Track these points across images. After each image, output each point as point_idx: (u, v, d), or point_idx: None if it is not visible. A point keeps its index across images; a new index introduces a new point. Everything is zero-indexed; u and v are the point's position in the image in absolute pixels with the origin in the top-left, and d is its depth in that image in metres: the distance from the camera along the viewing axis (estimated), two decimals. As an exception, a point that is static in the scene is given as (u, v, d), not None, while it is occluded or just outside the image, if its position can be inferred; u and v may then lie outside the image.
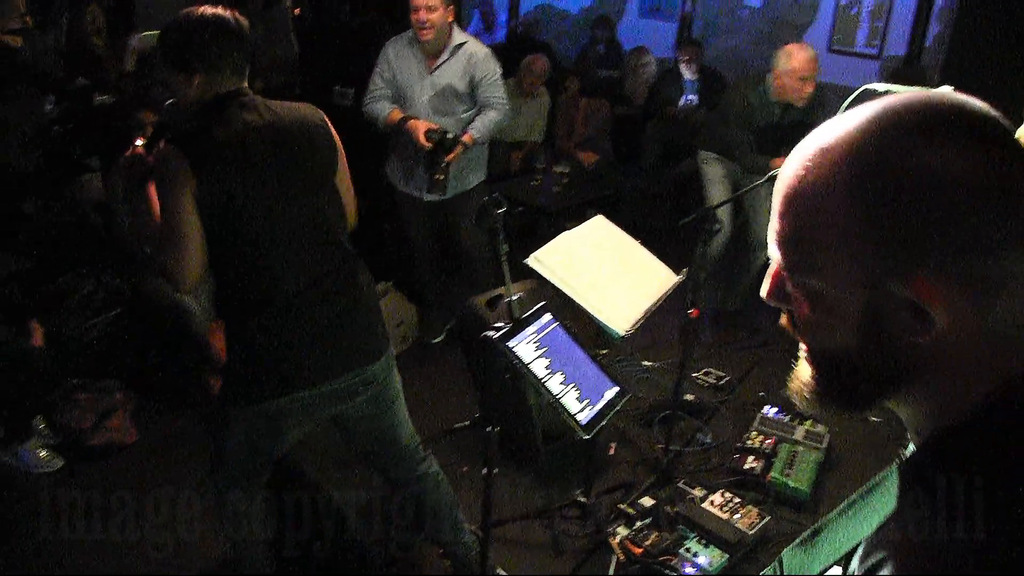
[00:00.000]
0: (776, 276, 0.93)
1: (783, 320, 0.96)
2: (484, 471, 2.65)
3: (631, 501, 3.62)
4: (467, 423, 4.15)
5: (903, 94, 0.85)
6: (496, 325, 2.46)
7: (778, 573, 1.09)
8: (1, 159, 4.87)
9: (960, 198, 0.77)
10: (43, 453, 3.92)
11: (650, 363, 4.80)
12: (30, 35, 6.92)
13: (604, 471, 3.93)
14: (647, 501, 3.60)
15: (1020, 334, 0.82)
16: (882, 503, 0.97)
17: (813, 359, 0.93)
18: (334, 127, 2.58)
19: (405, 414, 2.83)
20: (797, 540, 1.09)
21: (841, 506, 1.05)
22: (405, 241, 4.80)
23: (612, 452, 4.06)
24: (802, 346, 0.95)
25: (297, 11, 8.35)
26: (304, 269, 2.42)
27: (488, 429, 2.54)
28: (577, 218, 5.87)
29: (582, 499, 3.61)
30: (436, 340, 4.94)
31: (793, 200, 0.87)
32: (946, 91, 0.87)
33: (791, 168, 0.88)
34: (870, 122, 0.83)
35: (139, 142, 2.45)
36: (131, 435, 4.06)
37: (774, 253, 0.91)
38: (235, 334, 2.47)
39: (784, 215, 0.88)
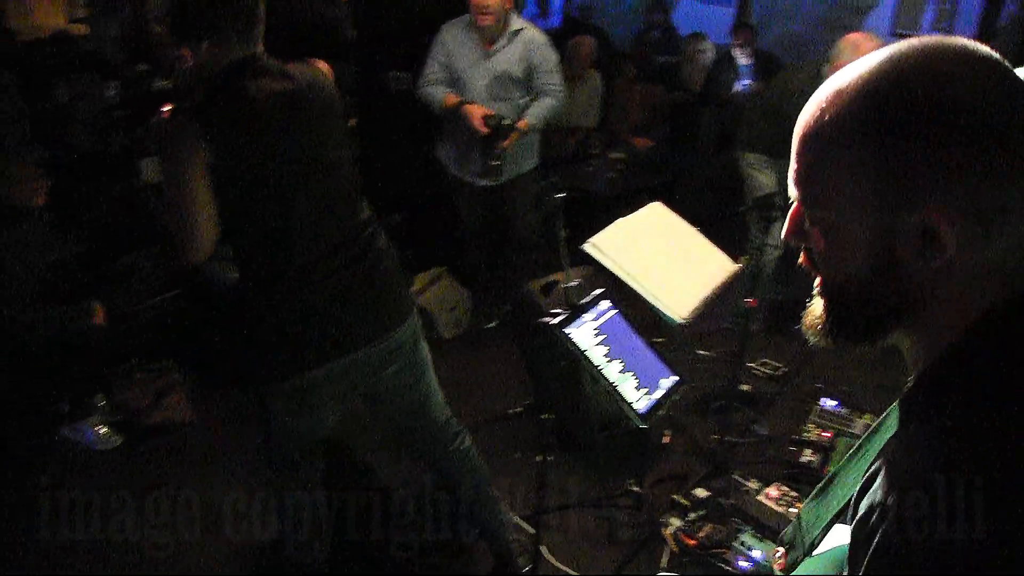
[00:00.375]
0: (795, 214, 0.97)
1: (801, 258, 1.01)
2: (538, 458, 2.62)
3: (685, 492, 3.58)
4: (520, 409, 4.14)
5: (914, 38, 0.89)
6: (554, 311, 2.43)
7: (796, 529, 1.13)
8: (65, 142, 4.95)
9: (971, 128, 0.82)
10: (103, 430, 3.99)
11: (705, 352, 4.74)
12: (94, 23, 7.05)
13: (658, 460, 3.90)
14: (701, 492, 3.56)
15: (1007, 264, 0.87)
16: (884, 440, 1.02)
17: (827, 291, 0.98)
18: (390, 111, 2.54)
19: (436, 385, 2.78)
20: (812, 493, 1.14)
21: (850, 451, 1.10)
22: (458, 226, 4.80)
23: (667, 441, 4.02)
24: (816, 282, 1.00)
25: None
26: (323, 236, 2.37)
27: (543, 416, 2.52)
28: (631, 205, 5.80)
29: (635, 488, 3.59)
30: (489, 325, 4.94)
31: (810, 139, 0.91)
32: (955, 37, 0.89)
33: (808, 111, 0.92)
34: (883, 62, 0.87)
35: (166, 108, 2.41)
36: (187, 414, 4.11)
37: (792, 192, 0.96)
38: (257, 308, 2.41)
39: (801, 154, 0.93)
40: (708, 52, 7.52)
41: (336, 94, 2.48)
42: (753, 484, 3.56)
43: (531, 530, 3.25)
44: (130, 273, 4.43)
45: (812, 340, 1.01)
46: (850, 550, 0.88)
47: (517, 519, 3.39)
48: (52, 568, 3.23)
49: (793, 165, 0.94)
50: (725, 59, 7.27)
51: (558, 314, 2.43)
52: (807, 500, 1.15)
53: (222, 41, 2.25)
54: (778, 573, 1.15)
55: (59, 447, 3.96)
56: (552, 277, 3.84)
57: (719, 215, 4.58)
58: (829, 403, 4.09)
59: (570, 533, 3.43)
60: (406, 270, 2.87)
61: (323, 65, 2.51)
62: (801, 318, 1.05)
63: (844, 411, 4.03)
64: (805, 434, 3.88)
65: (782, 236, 1.01)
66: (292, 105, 2.30)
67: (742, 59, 7.12)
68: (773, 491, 3.46)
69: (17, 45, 6.87)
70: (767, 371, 4.62)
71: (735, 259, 3.46)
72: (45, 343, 3.79)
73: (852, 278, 0.92)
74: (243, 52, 2.28)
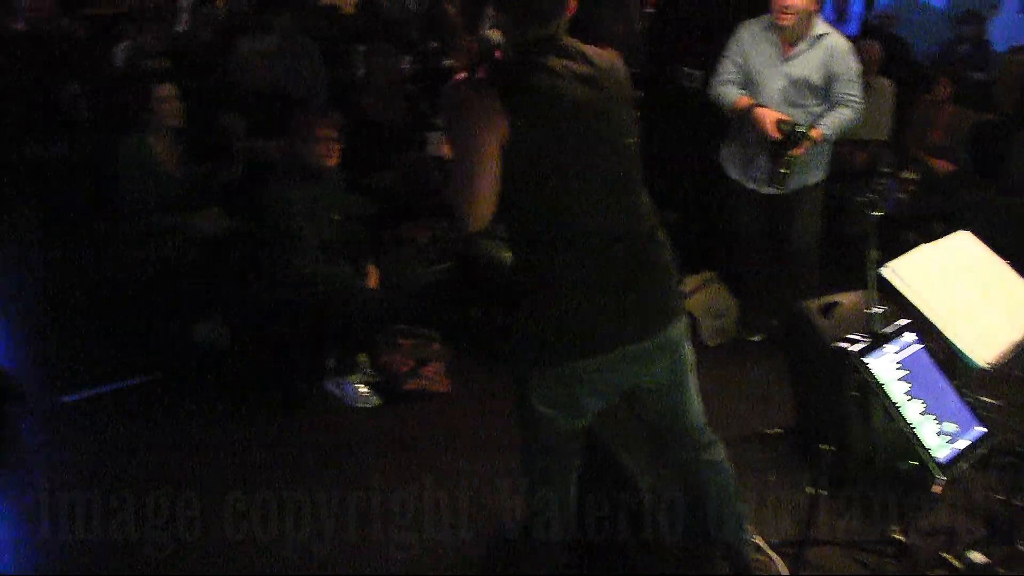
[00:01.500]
0: None
1: None
2: (809, 490, 2.44)
3: (958, 552, 3.24)
4: (779, 430, 3.92)
5: None
6: (851, 337, 2.24)
7: None
8: (359, 109, 5.21)
9: None
10: (363, 389, 4.15)
11: (992, 400, 4.29)
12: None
13: (925, 510, 3.56)
14: (978, 557, 3.19)
15: None
16: None
17: None
18: (679, 108, 2.44)
19: (696, 390, 2.64)
20: None
21: None
22: (734, 232, 4.61)
23: (937, 491, 3.66)
24: None
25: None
26: (604, 223, 2.30)
27: (822, 447, 2.33)
28: (920, 229, 5.43)
29: (900, 537, 3.29)
30: (755, 338, 4.72)
31: None
32: None
33: None
34: None
35: (462, 75, 2.43)
36: (444, 385, 4.21)
37: None
38: (530, 291, 2.38)
39: None
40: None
41: (629, 83, 2.42)
42: (1043, 559, 3.17)
43: (775, 556, 3.07)
44: (407, 241, 4.59)
45: None
46: None
47: (761, 543, 3.20)
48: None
49: None
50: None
51: (856, 340, 2.23)
52: None
53: (530, 17, 2.26)
54: None
55: (320, 398, 4.17)
56: (833, 298, 3.60)
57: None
58: None
59: (823, 571, 3.19)
60: (678, 268, 2.76)
61: (618, 56, 2.45)
62: None
63: None
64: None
65: None
66: (589, 87, 2.27)
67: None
68: (1067, 570, 3.06)
69: (324, 16, 7.34)
70: (1065, 431, 4.12)
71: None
72: (323, 298, 3.99)
73: None
74: (546, 31, 2.28)
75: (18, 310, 5.10)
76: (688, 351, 2.55)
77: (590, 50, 2.35)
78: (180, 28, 7.67)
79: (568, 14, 2.34)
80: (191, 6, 7.63)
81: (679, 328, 2.49)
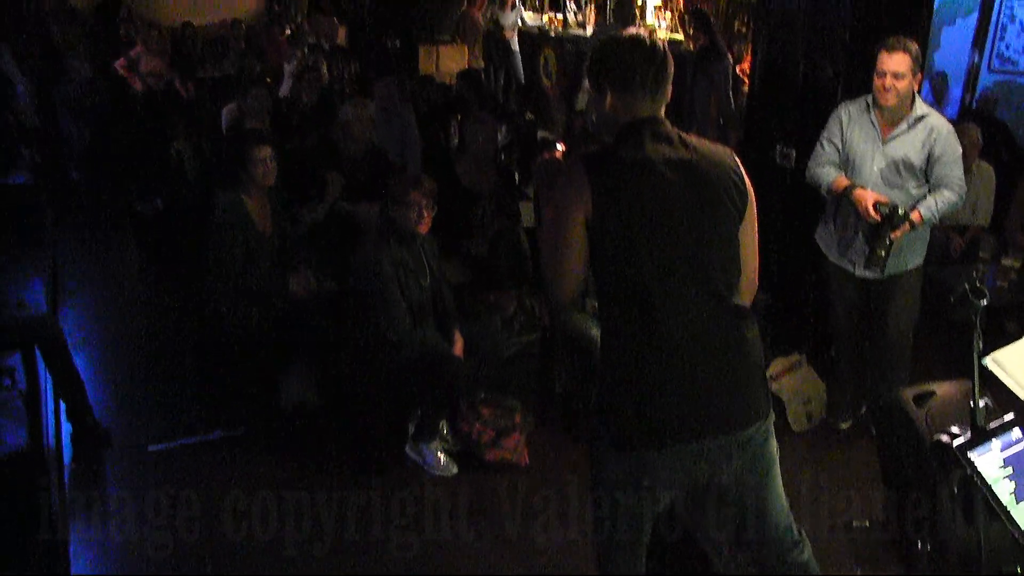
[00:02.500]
0: None
1: None
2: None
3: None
4: (867, 523, 3.76)
5: None
6: (952, 430, 2.14)
7: None
8: (454, 176, 5.28)
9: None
10: (443, 457, 4.13)
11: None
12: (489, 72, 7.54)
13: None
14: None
15: None
16: None
17: None
18: (773, 187, 2.41)
19: (780, 488, 2.54)
20: None
21: None
22: (826, 314, 4.50)
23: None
24: None
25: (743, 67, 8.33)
26: (684, 314, 2.27)
27: (921, 546, 2.22)
28: (1022, 319, 5.21)
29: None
30: (844, 426, 4.56)
31: None
32: None
33: None
34: None
35: (560, 146, 2.45)
36: (523, 458, 4.15)
37: None
38: (613, 371, 2.36)
39: None
40: None
41: (739, 180, 2.37)
42: None
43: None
44: (494, 310, 4.59)
45: None
46: None
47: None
48: None
49: None
50: None
51: (957, 434, 2.13)
52: None
53: (627, 96, 2.30)
54: None
55: (399, 463, 4.16)
56: (929, 387, 3.46)
57: None
58: None
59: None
60: (765, 350, 2.68)
61: (728, 149, 2.45)
62: None
63: None
64: None
65: None
66: (681, 173, 2.27)
67: None
68: None
69: (422, 85, 7.52)
70: None
71: None
72: (408, 363, 4.00)
73: None
74: (645, 112, 2.31)
75: (111, 358, 5.23)
76: (772, 448, 2.48)
77: (692, 138, 2.36)
78: (284, 92, 7.95)
79: (667, 97, 2.36)
80: (295, 72, 7.90)
81: (763, 428, 2.42)
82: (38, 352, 4.13)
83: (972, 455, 2.09)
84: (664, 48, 2.32)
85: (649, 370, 2.28)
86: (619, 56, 2.31)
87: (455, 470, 4.12)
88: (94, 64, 9.03)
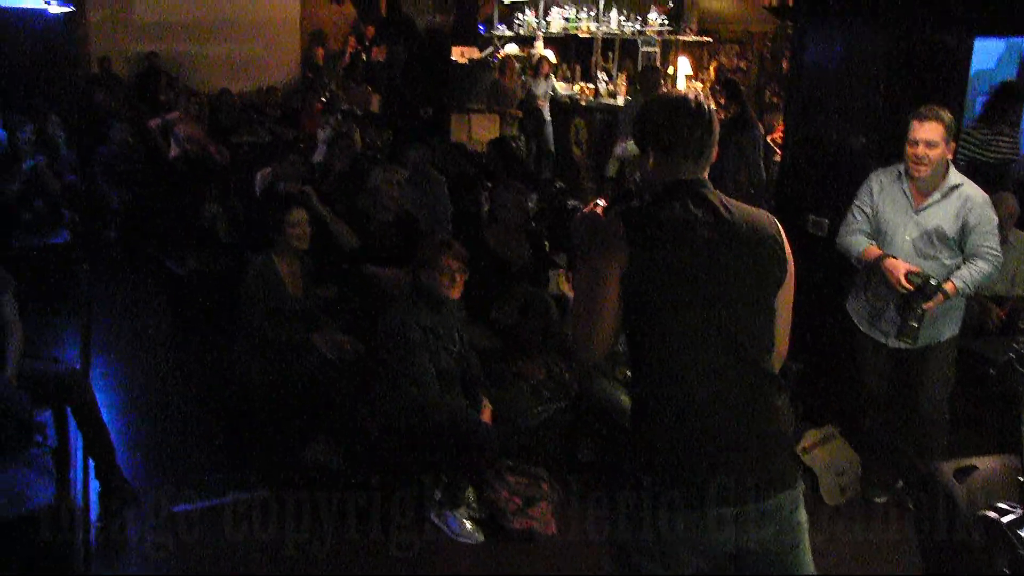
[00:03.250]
0: None
1: None
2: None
3: None
4: (904, 603, 3.66)
5: None
6: (1000, 506, 2.08)
7: None
8: (483, 243, 5.29)
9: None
10: (468, 524, 4.07)
11: None
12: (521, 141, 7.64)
13: None
14: None
15: None
16: None
17: None
18: (805, 256, 2.39)
19: (809, 558, 2.45)
20: None
21: None
22: (859, 385, 4.43)
23: None
24: None
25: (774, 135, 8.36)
26: (722, 380, 2.24)
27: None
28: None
29: None
30: (879, 499, 4.46)
31: None
32: None
33: None
34: None
35: (601, 202, 2.44)
36: (550, 527, 4.08)
37: None
38: (635, 430, 2.34)
39: None
40: None
41: (779, 248, 2.35)
42: None
43: None
44: (522, 377, 4.57)
45: None
46: None
47: None
48: None
49: None
50: None
51: (1005, 510, 2.07)
52: None
53: (670, 157, 2.31)
54: None
55: (423, 529, 4.10)
56: (970, 461, 3.38)
57: None
58: None
59: None
60: (797, 423, 2.63)
61: (770, 216, 2.43)
62: None
63: None
64: None
65: None
66: (724, 237, 2.26)
67: None
68: None
69: (453, 152, 7.61)
70: None
71: None
72: (436, 428, 3.97)
73: None
74: (688, 174, 2.31)
75: (139, 416, 5.24)
76: (801, 517, 2.41)
77: (735, 203, 2.35)
78: (317, 158, 8.06)
79: (711, 160, 2.36)
80: (329, 139, 8.02)
81: (791, 497, 2.36)
82: (68, 410, 4.16)
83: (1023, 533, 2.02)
84: (709, 110, 2.32)
85: (678, 434, 2.25)
86: (663, 117, 2.32)
87: (481, 537, 4.05)
88: (134, 129, 9.23)
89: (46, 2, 10.60)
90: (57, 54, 12.33)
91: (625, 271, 2.20)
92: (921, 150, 3.94)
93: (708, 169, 2.38)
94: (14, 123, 7.71)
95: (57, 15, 11.64)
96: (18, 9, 11.42)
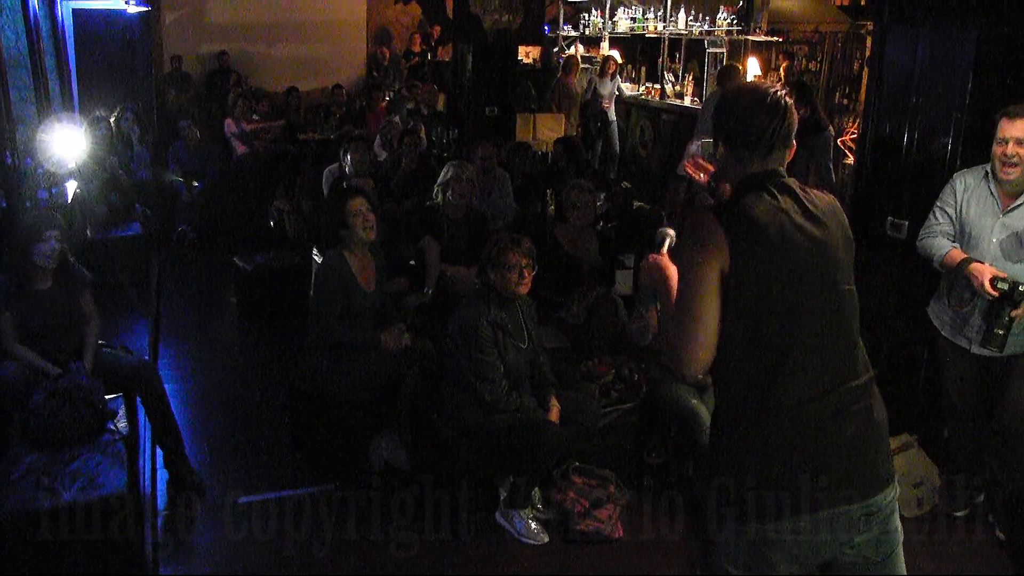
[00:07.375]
0: None
1: None
2: None
3: None
4: (986, 621, 3.52)
5: None
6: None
7: None
8: (552, 243, 5.25)
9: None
10: (534, 525, 4.03)
11: None
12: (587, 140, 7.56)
13: None
14: None
15: None
16: None
17: None
18: (885, 260, 2.32)
19: (904, 569, 2.35)
20: None
21: None
22: (940, 394, 4.28)
23: None
24: None
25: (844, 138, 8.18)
26: (822, 374, 2.17)
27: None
28: None
29: None
30: (959, 513, 4.30)
31: None
32: None
33: None
34: None
35: (665, 247, 2.41)
36: (617, 531, 4.02)
37: None
38: (728, 433, 2.25)
39: None
40: None
41: (848, 229, 2.33)
42: None
43: None
44: (591, 377, 4.51)
45: None
46: None
47: None
48: None
49: None
50: None
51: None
52: None
53: (749, 150, 2.28)
54: None
55: (489, 529, 4.07)
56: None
57: None
58: None
59: None
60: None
61: (833, 198, 2.40)
62: None
63: None
64: None
65: None
66: (811, 224, 2.22)
67: None
68: None
69: (520, 151, 7.58)
70: None
71: None
72: (503, 427, 3.93)
73: None
74: (767, 166, 2.28)
75: (207, 408, 5.30)
76: (897, 523, 2.32)
77: (811, 190, 2.32)
78: (384, 156, 8.10)
79: (789, 152, 2.32)
80: (396, 136, 8.04)
81: (891, 496, 2.28)
82: (138, 399, 4.21)
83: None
84: (787, 102, 2.27)
85: (779, 432, 2.17)
86: (741, 110, 2.28)
87: (546, 538, 4.01)
88: (204, 126, 9.39)
89: (125, 2, 10.83)
90: (134, 53, 12.65)
91: (727, 267, 2.15)
92: (1011, 148, 3.80)
93: (785, 164, 2.33)
94: (95, 120, 7.87)
95: (135, 15, 11.92)
96: (102, 10, 11.75)
